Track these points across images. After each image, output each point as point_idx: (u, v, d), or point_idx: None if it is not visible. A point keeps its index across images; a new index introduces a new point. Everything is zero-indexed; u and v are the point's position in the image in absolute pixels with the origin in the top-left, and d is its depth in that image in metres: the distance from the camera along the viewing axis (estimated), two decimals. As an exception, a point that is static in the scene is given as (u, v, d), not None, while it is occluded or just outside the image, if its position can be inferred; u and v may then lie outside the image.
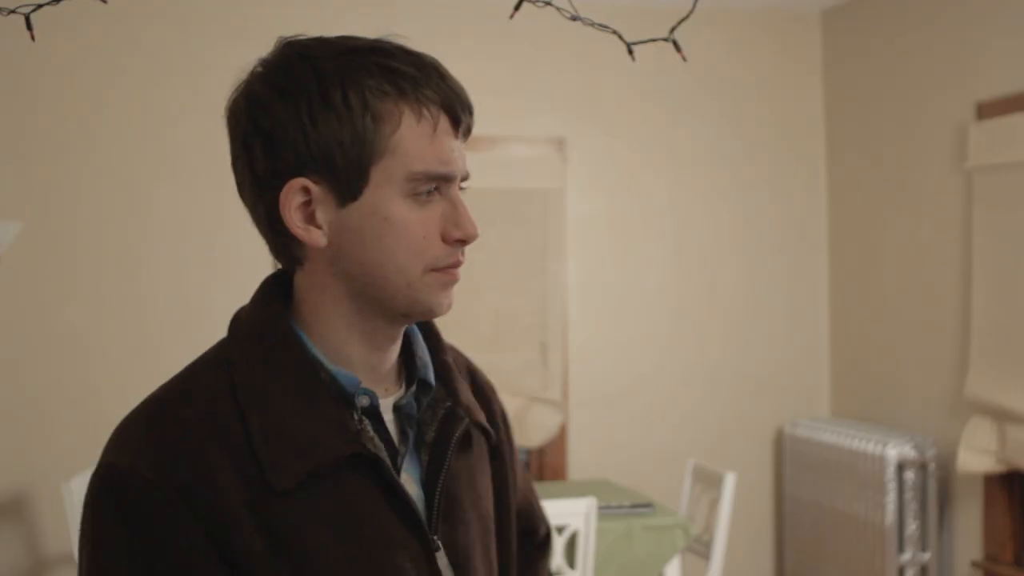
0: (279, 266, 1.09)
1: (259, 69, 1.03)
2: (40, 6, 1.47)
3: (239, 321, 1.05)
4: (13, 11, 1.49)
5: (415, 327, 1.14)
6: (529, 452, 4.57)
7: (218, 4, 4.12)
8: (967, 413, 3.82)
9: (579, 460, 4.48)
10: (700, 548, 3.85)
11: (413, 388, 1.10)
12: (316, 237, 1.00)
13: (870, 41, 4.43)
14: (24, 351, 3.93)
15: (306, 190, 0.99)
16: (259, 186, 1.01)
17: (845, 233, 4.63)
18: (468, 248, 1.05)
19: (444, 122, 1.01)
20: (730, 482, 3.76)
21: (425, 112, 1.00)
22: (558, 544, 3.36)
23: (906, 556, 3.94)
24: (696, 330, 4.59)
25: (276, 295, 1.06)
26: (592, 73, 4.46)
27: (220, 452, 0.94)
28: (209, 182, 4.10)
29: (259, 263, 4.28)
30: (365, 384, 1.04)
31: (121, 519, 0.92)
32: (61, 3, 1.47)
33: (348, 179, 0.98)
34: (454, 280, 1.04)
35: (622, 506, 3.67)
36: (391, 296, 1.02)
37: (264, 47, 1.12)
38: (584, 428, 4.48)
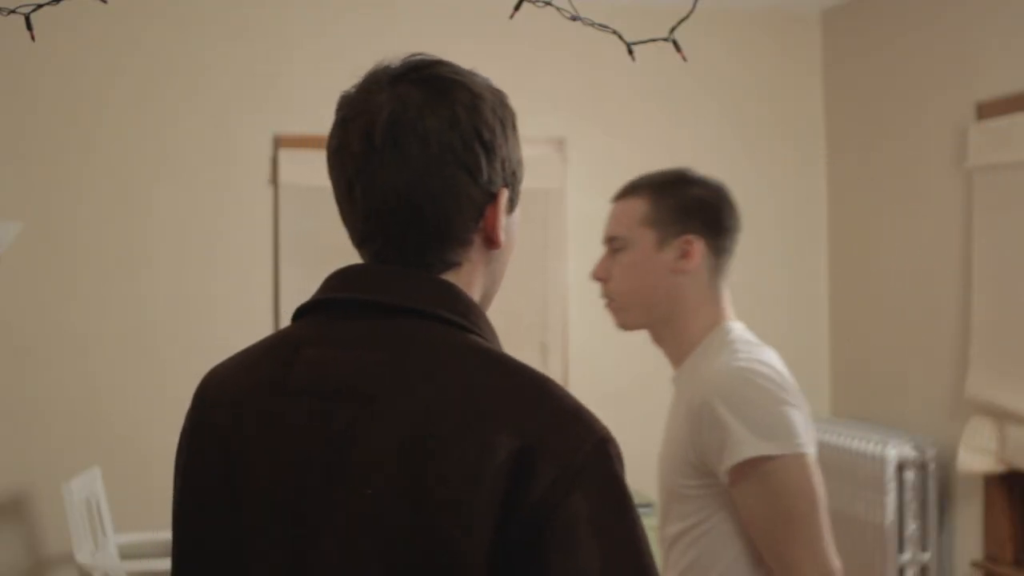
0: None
1: (453, 81, 1.10)
2: (40, 6, 1.47)
3: (474, 313, 1.10)
4: (13, 11, 1.49)
5: None
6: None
7: (218, 4, 4.12)
8: (967, 413, 3.82)
9: (579, 460, 4.47)
10: (700, 548, 3.85)
11: None
12: (502, 239, 1.12)
13: (870, 41, 4.43)
14: (24, 351, 3.93)
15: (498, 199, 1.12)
16: (477, 191, 1.09)
17: (845, 233, 4.63)
18: None
19: None
20: (730, 482, 3.76)
21: None
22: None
23: (906, 556, 3.94)
24: (696, 330, 4.59)
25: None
26: (592, 73, 4.46)
27: None
28: (209, 182, 4.10)
29: (259, 263, 4.29)
30: None
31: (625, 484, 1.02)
32: (61, 3, 1.47)
33: (517, 193, 1.15)
34: None
35: (622, 506, 3.67)
36: (495, 292, 1.18)
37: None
38: (584, 428, 4.47)
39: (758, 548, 1.70)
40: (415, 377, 1.01)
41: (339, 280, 1.10)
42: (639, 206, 1.82)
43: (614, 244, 1.86)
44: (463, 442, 0.96)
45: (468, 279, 1.11)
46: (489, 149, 1.08)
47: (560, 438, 0.97)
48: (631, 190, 1.87)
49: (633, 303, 1.89)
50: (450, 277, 1.09)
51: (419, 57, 1.11)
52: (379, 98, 1.07)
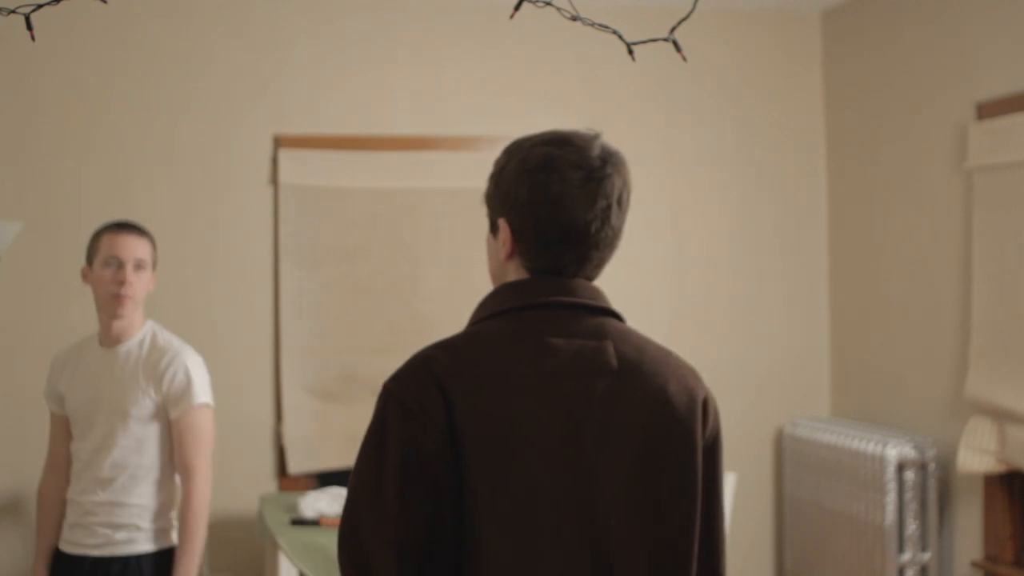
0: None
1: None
2: (40, 6, 1.47)
3: None
4: (13, 11, 1.50)
5: None
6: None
7: (218, 4, 4.12)
8: (967, 413, 3.82)
9: (579, 460, 4.47)
10: (700, 548, 3.85)
11: None
12: None
13: (870, 41, 4.43)
14: (24, 351, 3.93)
15: None
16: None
17: (845, 233, 4.63)
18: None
19: None
20: (730, 482, 3.76)
21: None
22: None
23: (906, 556, 3.94)
24: (696, 330, 4.59)
25: None
26: (592, 73, 4.46)
27: None
28: (209, 182, 4.10)
29: (259, 263, 4.27)
30: None
31: None
32: (61, 3, 1.47)
33: None
34: None
35: (622, 506, 3.66)
36: None
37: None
38: (584, 428, 4.47)
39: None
40: (637, 355, 1.47)
41: (560, 288, 1.49)
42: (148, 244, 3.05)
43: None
44: (682, 393, 1.47)
45: None
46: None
47: (706, 389, 1.53)
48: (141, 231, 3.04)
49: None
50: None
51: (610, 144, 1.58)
52: (607, 169, 1.55)
